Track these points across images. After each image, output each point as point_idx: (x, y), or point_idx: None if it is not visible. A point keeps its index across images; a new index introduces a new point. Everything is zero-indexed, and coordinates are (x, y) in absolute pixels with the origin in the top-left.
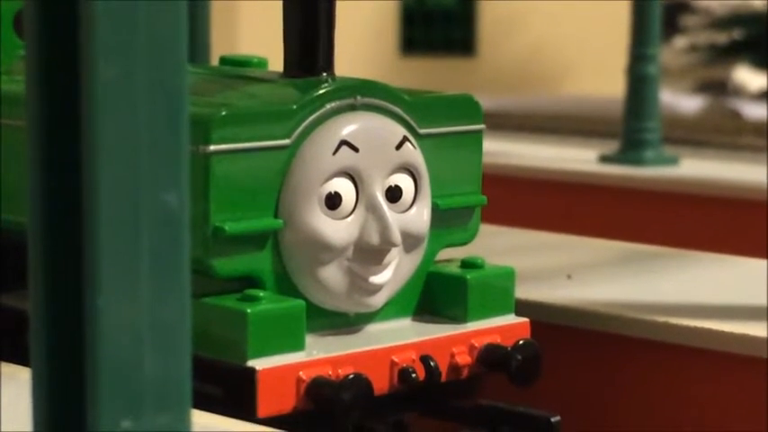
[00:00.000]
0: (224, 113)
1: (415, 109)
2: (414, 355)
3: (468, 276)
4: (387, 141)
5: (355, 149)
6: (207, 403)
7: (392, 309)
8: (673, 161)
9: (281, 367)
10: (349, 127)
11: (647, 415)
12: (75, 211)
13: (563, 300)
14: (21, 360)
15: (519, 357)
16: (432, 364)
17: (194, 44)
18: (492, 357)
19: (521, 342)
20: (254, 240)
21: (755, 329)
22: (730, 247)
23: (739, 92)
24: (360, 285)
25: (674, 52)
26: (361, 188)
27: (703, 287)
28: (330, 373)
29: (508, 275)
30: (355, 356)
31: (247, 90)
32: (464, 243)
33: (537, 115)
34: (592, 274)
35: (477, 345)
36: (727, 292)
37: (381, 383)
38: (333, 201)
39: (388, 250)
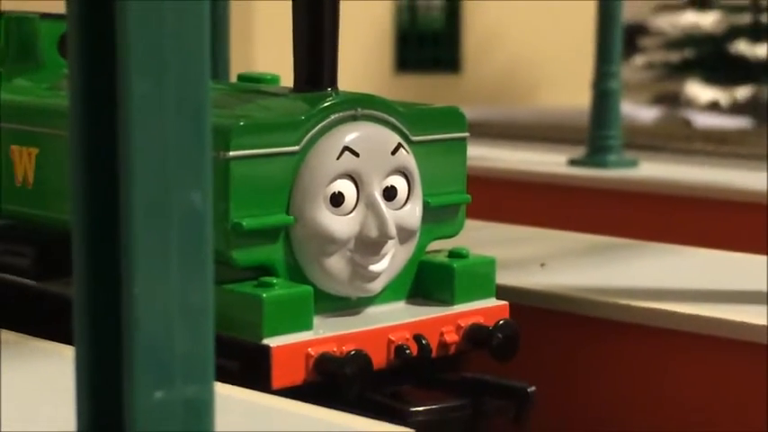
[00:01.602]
0: (242, 124)
1: (408, 119)
2: (407, 334)
3: (455, 265)
4: (383, 147)
5: (356, 154)
6: (227, 377)
7: (388, 293)
8: (632, 164)
9: (291, 345)
10: (351, 135)
11: (613, 386)
12: (113, 209)
13: (538, 285)
14: (65, 339)
15: (499, 336)
16: (423, 341)
17: (215, 63)
18: (476, 336)
19: (501, 322)
20: (269, 234)
21: (706, 311)
22: (683, 239)
23: (690, 104)
24: (360, 273)
25: (633, 69)
26: (361, 188)
27: (660, 273)
28: (335, 349)
29: (490, 264)
30: (356, 335)
31: (262, 103)
32: (451, 236)
33: (514, 124)
34: (563, 262)
35: (462, 325)
36: (681, 277)
37: (379, 359)
38: (337, 199)
39: (385, 242)
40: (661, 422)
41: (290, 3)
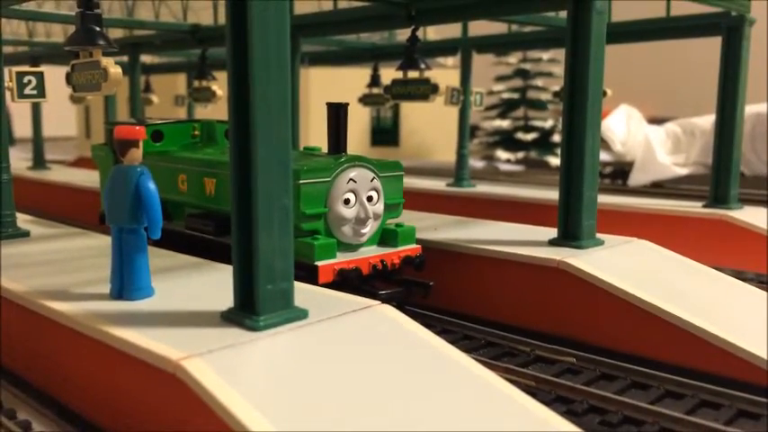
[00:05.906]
0: (305, 168)
1: (378, 166)
2: (378, 260)
3: (398, 230)
4: (367, 179)
5: (355, 182)
6: (299, 279)
7: (369, 242)
8: (473, 186)
9: (327, 264)
10: (353, 173)
11: (464, 283)
12: (249, 205)
13: (434, 238)
14: (228, 262)
15: (417, 260)
16: (384, 262)
17: (293, 141)
18: (407, 260)
19: (418, 254)
20: (317, 216)
21: (503, 248)
22: (496, 219)
23: (498, 160)
24: (357, 233)
25: (473, 144)
26: (358, 197)
27: (485, 233)
28: (346, 266)
29: (413, 229)
30: (355, 260)
31: (314, 159)
32: (396, 217)
33: (424, 169)
34: (445, 228)
35: (401, 255)
36: (494, 234)
37: (365, 270)
38: (347, 201)
39: (368, 220)
40: (486, 300)
41: (326, 115)
